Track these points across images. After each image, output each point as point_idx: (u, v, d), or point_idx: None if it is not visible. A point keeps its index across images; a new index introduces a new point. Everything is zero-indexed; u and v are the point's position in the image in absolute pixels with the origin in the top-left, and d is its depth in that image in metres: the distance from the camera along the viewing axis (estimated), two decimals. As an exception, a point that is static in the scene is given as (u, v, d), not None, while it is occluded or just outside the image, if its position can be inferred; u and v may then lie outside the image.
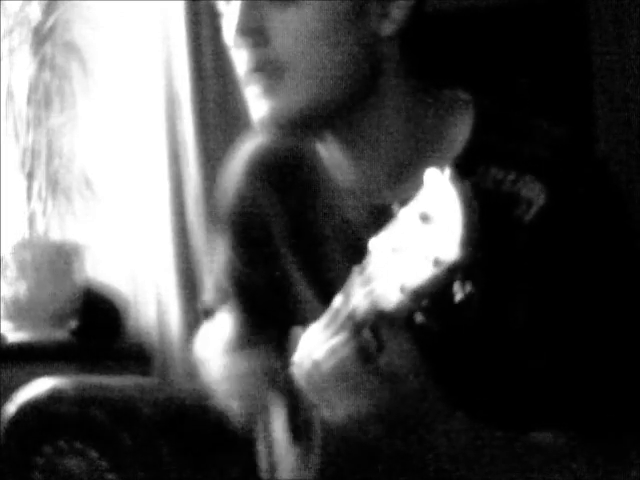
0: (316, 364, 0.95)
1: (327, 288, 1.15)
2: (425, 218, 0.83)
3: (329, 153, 1.16)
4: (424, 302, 0.87)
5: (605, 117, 2.39)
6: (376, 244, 0.89)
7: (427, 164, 1.11)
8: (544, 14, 2.37)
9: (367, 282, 0.91)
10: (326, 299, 1.00)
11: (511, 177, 1.05)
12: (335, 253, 1.16)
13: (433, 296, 0.86)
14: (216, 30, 2.41)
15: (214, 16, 2.41)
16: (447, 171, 0.83)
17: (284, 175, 1.22)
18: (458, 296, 0.85)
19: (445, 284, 0.85)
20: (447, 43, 1.17)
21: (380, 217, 1.12)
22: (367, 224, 1.13)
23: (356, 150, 1.12)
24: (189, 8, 2.43)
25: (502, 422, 1.02)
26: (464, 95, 1.14)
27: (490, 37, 2.37)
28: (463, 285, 0.85)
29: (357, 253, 1.14)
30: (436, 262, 0.82)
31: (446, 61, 1.13)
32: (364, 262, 0.91)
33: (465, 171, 1.06)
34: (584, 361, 1.05)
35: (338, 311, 0.95)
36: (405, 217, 0.85)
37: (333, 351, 0.94)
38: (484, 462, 1.00)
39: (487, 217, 0.82)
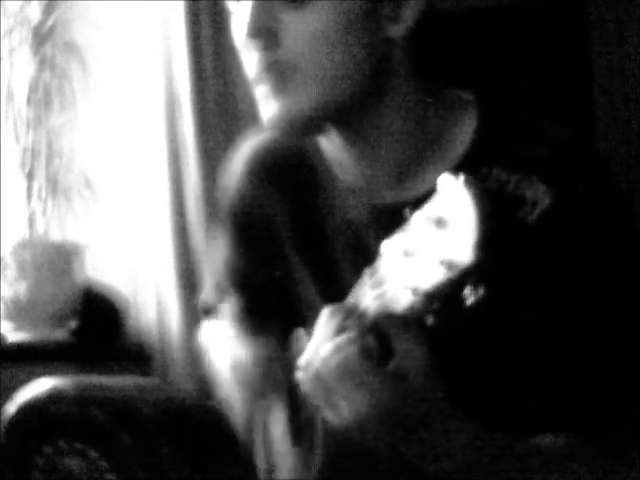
0: (322, 361, 0.96)
1: (328, 288, 1.15)
2: (439, 222, 0.83)
3: (333, 151, 1.16)
4: (435, 305, 0.87)
5: (605, 117, 2.39)
6: (388, 247, 0.89)
7: (430, 165, 1.11)
8: (544, 14, 2.37)
9: (378, 284, 0.91)
10: (327, 298, 1.00)
11: (516, 178, 1.05)
12: (336, 253, 1.16)
13: (444, 299, 0.86)
14: (216, 30, 2.42)
15: (214, 16, 2.44)
16: (461, 176, 0.84)
17: (285, 174, 1.21)
18: (470, 300, 0.85)
19: (457, 287, 0.85)
20: (447, 43, 1.17)
21: (381, 217, 1.12)
22: (368, 224, 1.13)
23: (360, 149, 1.12)
24: (189, 8, 2.43)
25: (504, 424, 1.02)
26: (467, 95, 1.14)
27: (489, 37, 2.37)
28: (475, 289, 0.85)
29: (358, 253, 1.14)
30: (450, 265, 0.83)
31: (448, 61, 1.13)
32: (375, 265, 0.91)
33: (468, 172, 1.06)
34: (586, 361, 1.06)
35: (348, 312, 0.96)
36: (418, 221, 0.86)
37: (338, 348, 0.94)
38: (484, 462, 1.00)
39: (493, 218, 0.82)
